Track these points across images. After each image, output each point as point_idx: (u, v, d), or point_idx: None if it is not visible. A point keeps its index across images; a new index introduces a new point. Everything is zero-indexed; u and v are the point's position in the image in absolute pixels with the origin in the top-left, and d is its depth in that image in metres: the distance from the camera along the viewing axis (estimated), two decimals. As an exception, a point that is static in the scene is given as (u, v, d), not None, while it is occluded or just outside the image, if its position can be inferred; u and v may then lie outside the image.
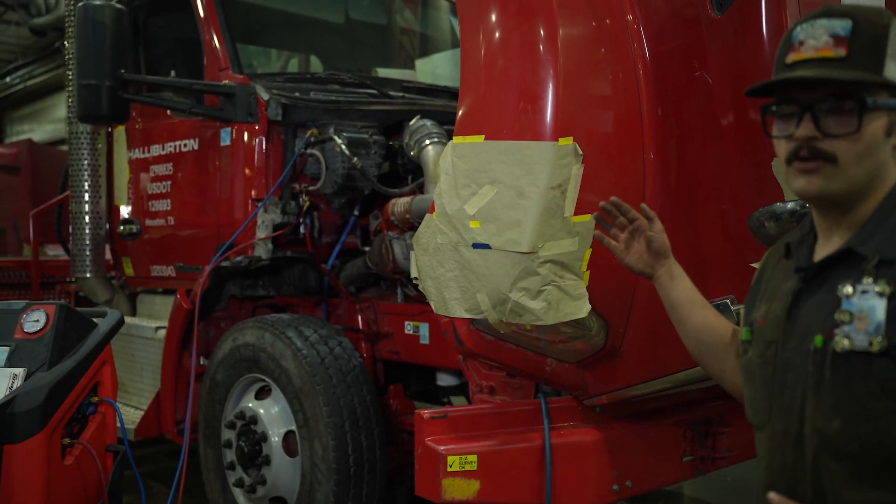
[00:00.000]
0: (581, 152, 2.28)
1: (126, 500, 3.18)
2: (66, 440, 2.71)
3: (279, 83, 3.96)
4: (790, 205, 1.99)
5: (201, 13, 4.00)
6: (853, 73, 1.29)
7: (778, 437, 1.37)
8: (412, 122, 3.65)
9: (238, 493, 3.63)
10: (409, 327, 3.75)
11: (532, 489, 2.75)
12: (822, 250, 1.39)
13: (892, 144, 1.35)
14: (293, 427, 3.37)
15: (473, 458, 2.70)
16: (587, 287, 2.42)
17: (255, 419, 3.49)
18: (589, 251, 2.38)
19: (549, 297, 2.36)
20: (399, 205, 3.51)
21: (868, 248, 1.31)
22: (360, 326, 4.00)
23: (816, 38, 1.32)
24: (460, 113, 2.42)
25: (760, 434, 1.44)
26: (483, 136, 2.36)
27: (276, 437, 3.43)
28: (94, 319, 2.98)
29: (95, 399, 2.86)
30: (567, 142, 2.27)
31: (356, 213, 4.01)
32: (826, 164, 1.31)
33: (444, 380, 3.87)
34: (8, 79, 17.72)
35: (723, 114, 2.27)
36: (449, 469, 2.67)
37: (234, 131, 3.86)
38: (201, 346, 4.05)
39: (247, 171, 3.84)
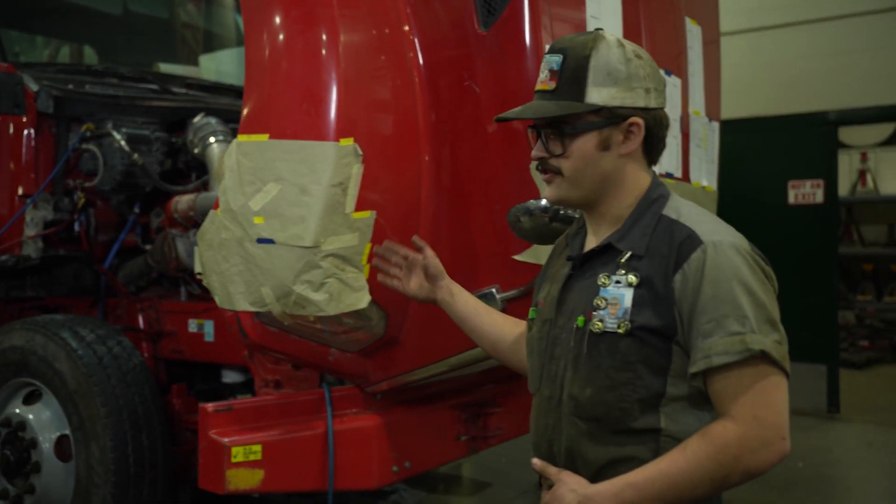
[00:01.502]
0: (361, 153, 2.43)
1: None
2: None
3: (51, 74, 3.78)
4: (543, 202, 2.26)
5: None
6: (557, 104, 1.50)
7: (544, 401, 1.58)
8: (196, 120, 3.63)
9: (4, 506, 3.43)
10: (192, 325, 3.72)
11: (316, 475, 2.86)
12: (591, 243, 1.60)
13: (618, 154, 1.53)
14: (67, 431, 3.25)
15: (258, 447, 2.77)
16: (367, 279, 2.57)
17: (22, 425, 3.32)
18: (369, 245, 2.54)
19: (331, 289, 2.49)
20: (182, 202, 3.48)
21: (623, 244, 1.52)
22: (142, 326, 3.91)
23: (543, 72, 1.54)
24: (245, 112, 2.49)
25: (534, 400, 1.65)
26: (267, 135, 2.45)
27: (47, 443, 3.28)
28: None
29: None
30: (348, 142, 2.42)
31: (136, 210, 3.91)
32: (557, 177, 1.55)
33: (230, 377, 3.87)
34: None
35: (490, 121, 2.51)
36: (233, 460, 2.73)
37: (-1, 123, 3.64)
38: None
39: (12, 165, 3.63)
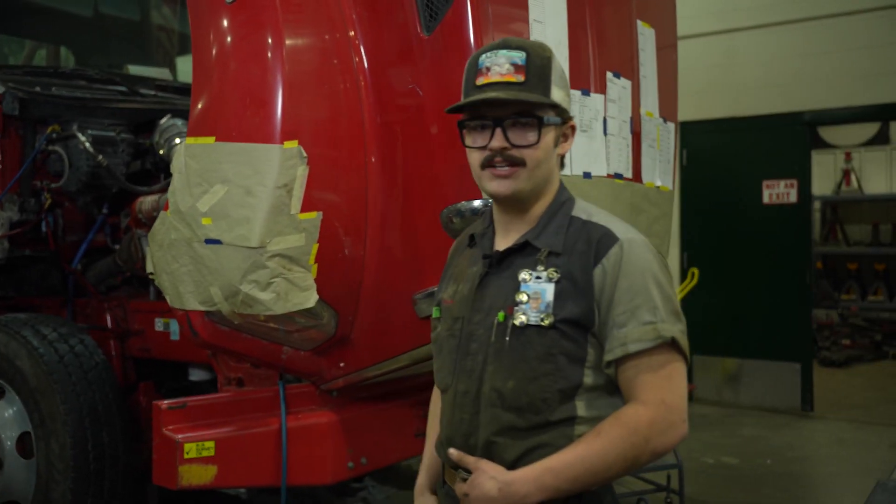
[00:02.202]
0: (305, 155, 2.48)
1: None
2: None
3: (18, 76, 3.83)
4: (475, 203, 2.31)
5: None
6: (531, 94, 1.57)
7: (460, 396, 1.62)
8: (163, 121, 3.68)
9: (-32, 502, 3.48)
10: (159, 324, 3.76)
11: (269, 471, 2.92)
12: (502, 242, 1.65)
13: (557, 154, 1.65)
14: (29, 428, 3.30)
15: (211, 444, 2.82)
16: (316, 279, 2.62)
17: (-14, 423, 3.37)
18: (316, 246, 2.59)
19: (278, 289, 2.54)
20: (147, 202, 3.53)
21: (541, 241, 1.59)
22: (110, 325, 3.95)
23: (500, 66, 1.58)
24: (192, 114, 2.54)
25: (445, 396, 1.69)
26: (214, 137, 2.50)
27: (9, 440, 3.33)
28: None
29: None
30: (292, 145, 2.47)
31: (105, 211, 3.96)
32: (518, 168, 1.58)
33: (197, 375, 3.92)
34: None
35: (432, 123, 2.55)
36: (186, 456, 2.78)
37: (-34, 124, 3.69)
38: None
39: (-20, 165, 3.68)
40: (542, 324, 1.53)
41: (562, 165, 1.71)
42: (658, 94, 3.36)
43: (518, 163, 1.58)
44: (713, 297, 6.89)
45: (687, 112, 7.11)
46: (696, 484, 4.82)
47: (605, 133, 2.91)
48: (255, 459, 2.91)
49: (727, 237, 6.89)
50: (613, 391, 1.55)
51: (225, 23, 2.50)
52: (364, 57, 2.59)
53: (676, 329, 1.52)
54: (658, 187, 3.39)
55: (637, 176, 3.19)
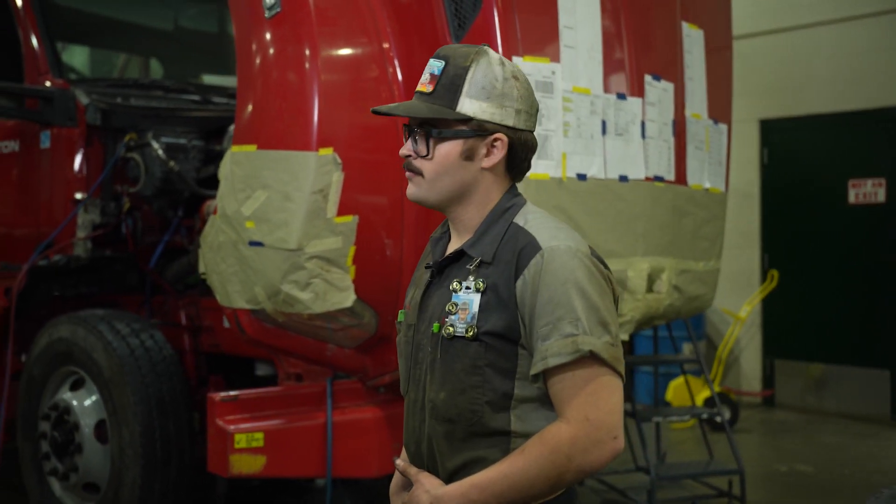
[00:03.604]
0: (340, 161, 2.60)
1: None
2: None
3: (101, 88, 4.10)
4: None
5: (21, 18, 4.10)
6: (430, 107, 1.55)
7: (411, 404, 1.62)
8: (231, 128, 3.88)
9: (53, 482, 3.76)
10: (226, 321, 3.97)
11: (316, 463, 3.06)
12: (451, 249, 1.61)
13: (479, 167, 1.55)
14: (104, 416, 3.55)
15: (260, 435, 2.98)
16: (354, 280, 2.74)
17: (68, 410, 3.65)
18: (353, 248, 2.71)
19: (317, 289, 2.67)
20: (211, 206, 3.73)
21: (474, 251, 1.55)
22: (184, 321, 4.19)
23: (424, 75, 1.60)
24: (237, 124, 2.70)
25: (405, 401, 1.67)
26: (256, 145, 2.65)
27: (87, 427, 3.59)
28: None
29: None
30: (327, 152, 2.59)
31: (180, 213, 4.20)
32: (417, 177, 1.59)
33: (262, 370, 4.12)
34: None
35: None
36: (236, 446, 2.95)
37: (54, 134, 3.99)
38: (23, 344, 4.14)
39: (66, 172, 3.98)
40: (466, 335, 1.50)
41: (517, 174, 1.61)
42: (707, 95, 3.33)
43: (416, 172, 1.59)
44: (795, 301, 6.67)
45: (768, 109, 6.92)
46: (763, 490, 4.71)
47: (643, 136, 2.92)
48: (303, 451, 3.05)
49: (810, 238, 6.66)
50: (550, 404, 1.50)
51: (265, 36, 2.65)
52: (398, 67, 2.69)
53: (600, 342, 1.44)
54: (707, 189, 3.35)
55: (681, 178, 3.17)
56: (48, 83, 4.00)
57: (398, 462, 1.61)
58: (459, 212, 1.60)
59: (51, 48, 4.07)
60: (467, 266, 1.55)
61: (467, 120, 1.54)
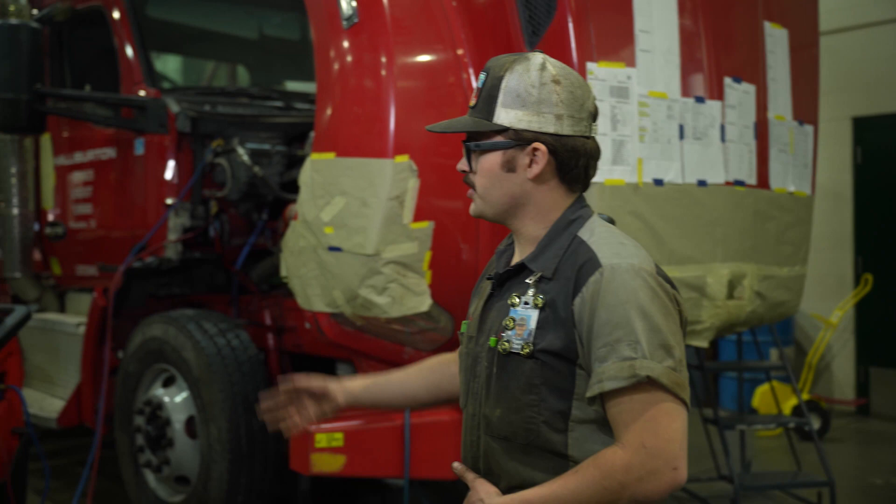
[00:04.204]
0: (416, 168, 2.65)
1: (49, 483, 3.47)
2: (-27, 422, 3.02)
3: (190, 96, 4.27)
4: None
5: (118, 31, 4.30)
6: (470, 120, 1.52)
7: (469, 419, 1.59)
8: (312, 133, 3.99)
9: (148, 474, 3.95)
10: (307, 323, 4.08)
11: (394, 463, 3.11)
12: (514, 261, 1.58)
13: (525, 178, 1.50)
14: (194, 412, 3.70)
15: (339, 435, 3.06)
16: (430, 285, 2.78)
17: (160, 406, 3.81)
18: (429, 253, 2.75)
19: (394, 293, 2.73)
20: (293, 210, 3.84)
21: (535, 265, 1.51)
22: (268, 321, 4.33)
23: (475, 89, 1.58)
24: (316, 132, 2.78)
25: (464, 414, 1.64)
26: (334, 153, 2.72)
27: (178, 422, 3.75)
28: (3, 315, 3.27)
29: (2, 386, 3.16)
30: (403, 159, 2.64)
31: (265, 216, 4.33)
32: (474, 192, 1.58)
33: (342, 370, 4.21)
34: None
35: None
36: (317, 445, 3.03)
37: (147, 141, 4.18)
38: (120, 341, 4.34)
39: (158, 178, 4.16)
40: (522, 353, 1.46)
41: (573, 182, 1.54)
42: (792, 96, 3.24)
43: (472, 186, 1.58)
44: (891, 306, 6.39)
45: (861, 107, 6.64)
46: (855, 504, 4.55)
47: (722, 140, 2.86)
48: (381, 452, 3.11)
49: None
50: (609, 427, 1.44)
51: (343, 45, 2.72)
52: (472, 73, 2.72)
53: (661, 367, 1.37)
54: (791, 193, 3.26)
55: (763, 182, 3.09)
56: (142, 92, 4.19)
57: (455, 465, 1.58)
58: (517, 224, 1.57)
59: (144, 58, 4.26)
60: (527, 280, 1.51)
61: (503, 130, 1.50)
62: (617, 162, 2.53)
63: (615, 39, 2.58)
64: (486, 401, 1.52)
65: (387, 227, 2.65)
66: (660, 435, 1.37)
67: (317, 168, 2.75)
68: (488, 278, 1.62)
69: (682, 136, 2.72)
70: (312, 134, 3.96)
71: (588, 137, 1.54)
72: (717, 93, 2.84)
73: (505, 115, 1.50)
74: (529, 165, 1.51)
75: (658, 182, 2.66)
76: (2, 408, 3.16)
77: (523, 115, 1.49)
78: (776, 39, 3.12)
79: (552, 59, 1.53)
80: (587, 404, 1.43)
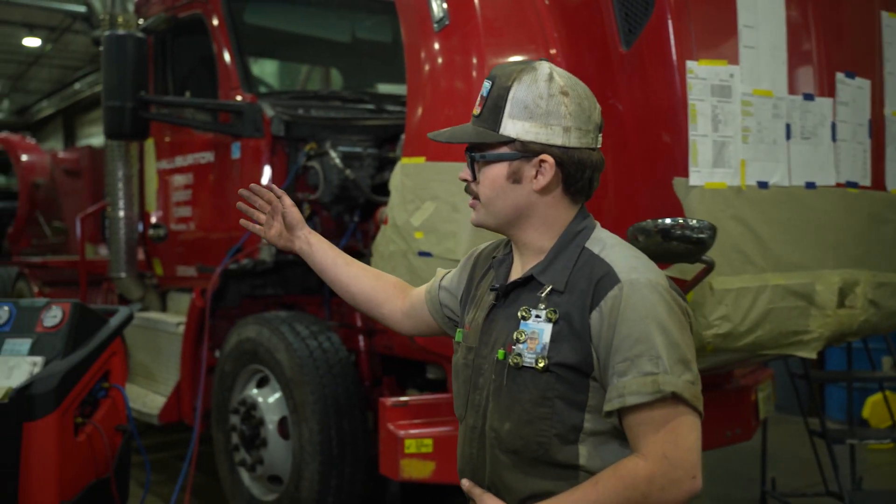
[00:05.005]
0: (507, 172, 2.58)
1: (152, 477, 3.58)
2: (79, 419, 3.12)
3: (284, 101, 4.34)
4: (667, 221, 2.26)
5: (216, 37, 4.41)
6: (475, 130, 1.50)
7: (469, 430, 1.58)
8: (403, 136, 3.99)
9: (242, 472, 4.03)
10: (398, 326, 4.08)
11: (483, 471, 3.06)
12: (517, 271, 1.57)
13: (531, 189, 1.49)
14: (286, 413, 3.75)
15: (429, 441, 3.03)
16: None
17: (254, 406, 3.88)
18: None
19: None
20: (384, 213, 3.84)
21: (544, 277, 1.49)
22: (359, 323, 4.35)
23: (478, 97, 1.55)
24: (406, 135, 2.76)
25: (460, 427, 1.64)
26: (424, 157, 2.69)
27: (271, 422, 3.81)
28: (108, 315, 3.39)
29: (106, 385, 3.27)
30: (494, 163, 2.58)
31: (356, 218, 4.36)
32: (476, 201, 1.56)
33: (433, 373, 4.19)
34: (77, 85, 18.68)
35: (632, 137, 2.54)
36: (406, 451, 3.02)
37: (243, 145, 4.26)
38: (217, 341, 4.46)
39: (253, 181, 4.23)
40: (536, 367, 1.44)
41: (577, 194, 1.53)
42: (911, 90, 3.02)
43: (474, 196, 1.56)
44: None
45: None
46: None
47: (833, 139, 2.69)
48: (470, 459, 3.07)
49: None
50: (621, 438, 1.44)
51: (434, 47, 2.68)
52: (566, 74, 2.63)
53: (681, 381, 1.37)
54: (910, 194, 3.05)
55: (879, 183, 2.90)
56: (239, 97, 4.28)
57: (464, 482, 1.57)
58: (520, 235, 1.55)
59: (241, 64, 4.35)
60: (537, 293, 1.49)
61: (510, 141, 1.48)
62: (718, 164, 2.42)
63: (717, 35, 2.46)
64: (494, 413, 1.51)
65: (477, 232, 2.60)
66: (680, 446, 1.38)
67: (407, 172, 2.73)
68: (492, 289, 1.59)
69: (788, 135, 2.58)
70: (403, 136, 3.97)
71: (594, 149, 1.52)
72: (828, 89, 2.67)
73: (512, 127, 1.48)
74: (535, 177, 1.49)
75: (763, 185, 2.53)
76: (106, 406, 3.27)
77: (531, 126, 1.47)
78: (893, 31, 2.92)
79: (559, 70, 1.52)
80: (601, 416, 1.43)
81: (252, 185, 1.92)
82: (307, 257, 1.92)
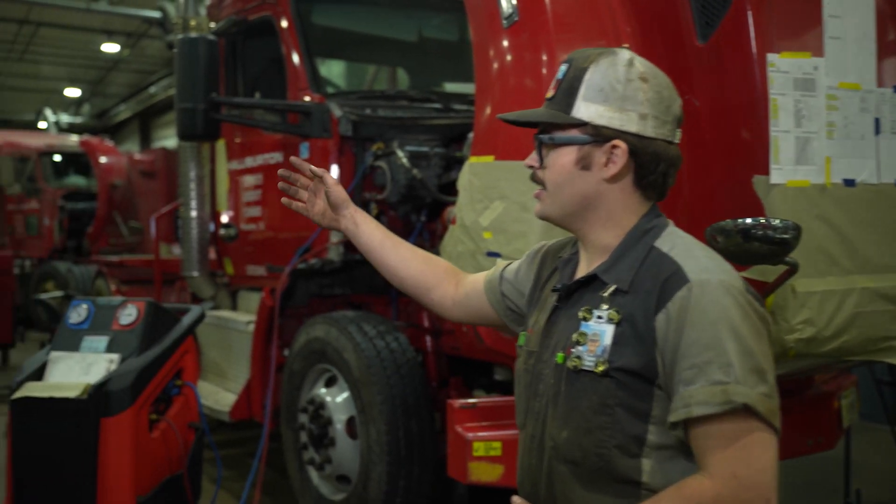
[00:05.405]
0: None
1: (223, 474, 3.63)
2: (153, 416, 3.18)
3: (352, 101, 4.35)
4: (748, 220, 2.16)
5: (285, 39, 4.44)
6: (546, 112, 1.43)
7: (528, 440, 1.51)
8: (471, 134, 3.95)
9: (311, 471, 4.05)
10: (465, 328, 4.05)
11: (553, 476, 3.00)
12: (581, 273, 1.49)
13: (600, 178, 1.41)
14: (354, 413, 3.75)
15: (498, 444, 2.98)
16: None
17: (322, 405, 3.90)
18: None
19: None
20: (452, 212, 3.81)
21: (608, 276, 1.40)
22: (426, 324, 4.33)
23: (553, 79, 1.48)
24: (475, 134, 2.72)
25: (520, 435, 1.57)
26: (493, 156, 2.65)
27: (340, 422, 3.82)
28: (181, 314, 3.44)
29: (179, 382, 3.32)
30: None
31: (423, 218, 4.34)
32: (543, 191, 1.47)
33: (501, 374, 4.15)
34: (152, 89, 19.25)
35: (709, 134, 2.45)
36: (475, 454, 2.97)
37: (311, 145, 4.29)
38: (287, 340, 4.50)
39: (322, 181, 4.25)
40: (596, 371, 1.35)
41: (650, 190, 1.45)
42: None
43: (540, 183, 1.47)
44: None
45: None
46: None
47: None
48: (539, 463, 3.01)
49: None
50: (689, 453, 1.33)
51: (503, 44, 2.64)
52: (639, 69, 2.55)
53: (755, 393, 1.25)
54: None
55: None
56: (307, 98, 4.30)
57: (515, 499, 1.47)
58: (586, 230, 1.46)
59: (310, 65, 4.37)
60: (600, 293, 1.40)
61: (581, 124, 1.40)
62: (801, 161, 2.31)
63: (800, 26, 2.35)
64: (552, 421, 1.42)
65: (547, 231, 2.54)
66: (752, 465, 1.26)
67: (475, 172, 2.69)
68: (554, 289, 1.50)
69: (877, 130, 2.45)
70: (471, 135, 3.92)
71: (671, 143, 1.42)
72: (921, 81, 2.53)
73: (585, 109, 1.40)
74: (606, 164, 1.41)
75: (849, 182, 2.41)
76: (179, 403, 3.32)
77: (605, 110, 1.40)
78: None
79: (640, 57, 1.43)
80: (667, 429, 1.33)
81: (293, 159, 1.88)
82: (353, 237, 1.85)
